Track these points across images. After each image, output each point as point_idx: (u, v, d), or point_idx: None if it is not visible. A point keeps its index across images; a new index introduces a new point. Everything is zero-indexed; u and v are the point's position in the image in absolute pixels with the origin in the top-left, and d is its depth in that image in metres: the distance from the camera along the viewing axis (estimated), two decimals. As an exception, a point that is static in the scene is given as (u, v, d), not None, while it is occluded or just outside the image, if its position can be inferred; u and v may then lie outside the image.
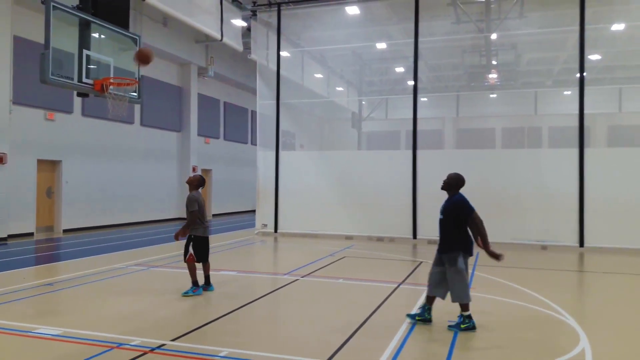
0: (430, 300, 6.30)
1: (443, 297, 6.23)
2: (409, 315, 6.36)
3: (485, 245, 6.03)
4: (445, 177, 6.26)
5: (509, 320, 6.27)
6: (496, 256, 5.97)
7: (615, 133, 24.89)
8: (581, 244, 13.51)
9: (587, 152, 13.75)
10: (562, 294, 8.36)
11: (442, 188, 6.27)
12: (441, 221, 6.22)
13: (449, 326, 6.07)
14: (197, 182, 7.93)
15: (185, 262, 7.78)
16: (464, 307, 6.01)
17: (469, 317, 6.00)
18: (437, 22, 17.57)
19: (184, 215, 7.85)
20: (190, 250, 7.68)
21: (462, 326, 5.96)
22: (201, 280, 7.95)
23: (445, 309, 6.64)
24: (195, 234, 7.71)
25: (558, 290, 8.59)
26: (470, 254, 6.13)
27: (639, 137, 24.11)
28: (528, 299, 7.68)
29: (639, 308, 7.58)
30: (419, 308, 6.40)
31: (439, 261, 6.24)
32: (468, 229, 6.11)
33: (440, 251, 6.22)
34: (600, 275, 10.65)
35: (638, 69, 22.67)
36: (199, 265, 7.82)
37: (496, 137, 27.94)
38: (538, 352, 5.35)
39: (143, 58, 8.57)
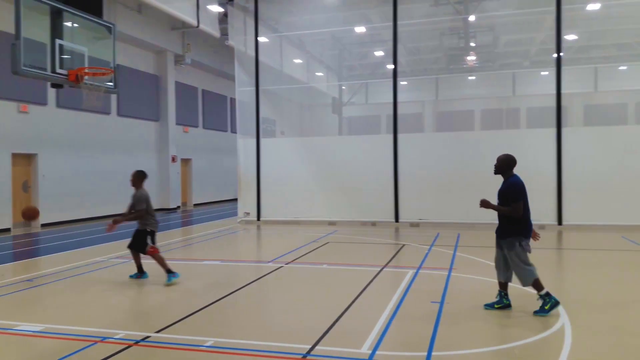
0: (502, 285, 6.18)
1: (510, 280, 6.13)
2: (486, 305, 6.18)
3: (488, 203, 5.96)
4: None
5: (490, 299, 6.35)
6: (485, 204, 5.95)
7: (591, 112, 25.29)
8: (559, 222, 13.76)
9: (565, 131, 13.94)
10: (542, 272, 8.47)
11: (495, 172, 6.15)
12: (498, 203, 6.10)
13: (535, 311, 5.89)
14: (140, 179, 8.02)
15: (148, 254, 7.88)
16: (538, 287, 5.92)
17: (547, 294, 5.89)
18: (416, 4, 17.53)
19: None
20: (149, 242, 7.86)
21: (546, 307, 5.82)
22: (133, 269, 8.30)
23: (425, 292, 6.68)
24: (150, 229, 7.90)
25: (538, 268, 8.72)
26: (528, 238, 5.99)
27: (614, 116, 24.55)
28: (509, 278, 7.80)
29: (616, 283, 7.77)
30: (496, 296, 6.22)
31: (498, 245, 6.17)
32: (527, 212, 5.97)
33: (499, 236, 6.13)
34: (578, 252, 10.87)
35: (613, 48, 22.99)
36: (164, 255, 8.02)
37: (475, 119, 28.16)
38: (520, 329, 5.45)
39: (29, 215, 8.28)
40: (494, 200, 6.08)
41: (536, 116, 24.33)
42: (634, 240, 11.47)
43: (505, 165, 6.08)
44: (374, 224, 15.13)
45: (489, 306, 6.18)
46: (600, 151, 13.72)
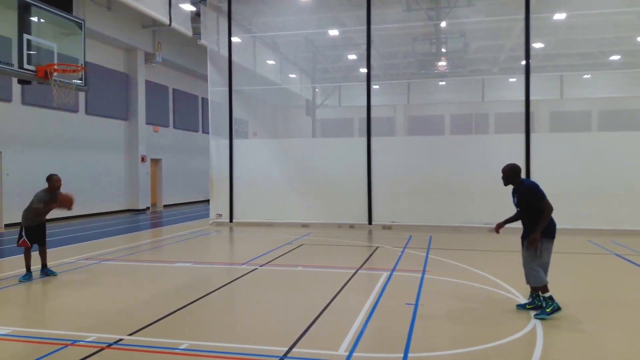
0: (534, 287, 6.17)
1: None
2: (518, 306, 6.25)
3: (535, 238, 5.95)
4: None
5: (464, 300, 6.46)
6: (534, 242, 5.93)
7: (557, 119, 26.04)
8: (527, 225, 14.03)
9: (533, 137, 14.27)
10: (512, 274, 8.67)
11: (505, 184, 6.28)
12: (520, 212, 6.23)
13: (535, 315, 5.93)
14: None
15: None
16: (543, 289, 5.96)
17: (551, 298, 5.93)
18: (389, 9, 17.72)
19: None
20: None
21: (548, 310, 5.88)
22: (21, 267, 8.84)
23: (402, 294, 6.74)
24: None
25: (508, 271, 8.90)
26: (552, 237, 6.08)
27: (579, 123, 25.35)
28: (480, 279, 7.95)
29: (584, 286, 8.01)
30: (528, 297, 6.27)
31: (524, 247, 6.20)
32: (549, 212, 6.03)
33: (523, 237, 6.19)
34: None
35: (578, 57, 23.73)
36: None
37: (445, 124, 28.65)
38: (493, 332, 5.55)
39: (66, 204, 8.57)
40: (506, 208, 6.04)
41: (504, 122, 24.91)
42: (598, 243, 11.83)
43: (512, 173, 6.23)
44: (352, 226, 15.13)
45: (521, 306, 6.23)
46: (566, 157, 14.08)
